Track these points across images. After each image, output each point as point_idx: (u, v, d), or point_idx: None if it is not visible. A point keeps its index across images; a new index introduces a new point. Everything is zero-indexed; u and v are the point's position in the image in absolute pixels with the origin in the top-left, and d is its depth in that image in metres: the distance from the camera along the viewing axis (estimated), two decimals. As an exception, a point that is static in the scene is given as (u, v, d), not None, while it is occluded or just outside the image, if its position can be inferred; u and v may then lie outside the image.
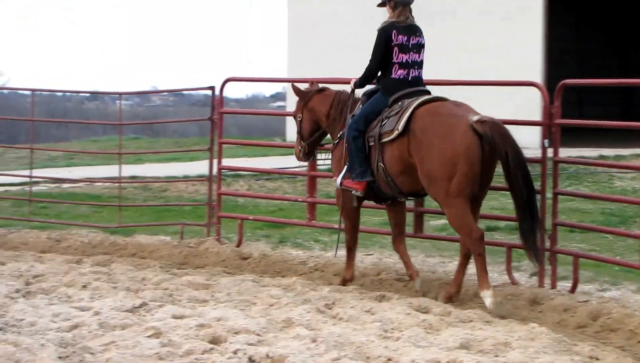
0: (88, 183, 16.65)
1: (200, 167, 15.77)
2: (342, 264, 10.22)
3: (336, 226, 10.65)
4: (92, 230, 12.69)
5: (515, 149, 8.51)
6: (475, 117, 8.53)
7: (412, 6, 9.29)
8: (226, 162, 12.24)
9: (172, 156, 23.38)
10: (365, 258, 10.97)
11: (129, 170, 17.11)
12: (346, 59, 29.51)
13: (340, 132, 9.54)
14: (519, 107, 22.13)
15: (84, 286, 9.00)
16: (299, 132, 10.16)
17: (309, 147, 10.19)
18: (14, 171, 20.05)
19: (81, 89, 60.60)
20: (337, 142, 9.63)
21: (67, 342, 6.86)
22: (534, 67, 26.11)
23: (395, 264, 10.68)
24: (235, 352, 6.59)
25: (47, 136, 43.97)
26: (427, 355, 6.59)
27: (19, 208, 14.73)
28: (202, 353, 6.65)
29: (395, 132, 8.79)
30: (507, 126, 8.72)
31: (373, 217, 13.46)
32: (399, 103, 9.02)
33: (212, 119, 11.93)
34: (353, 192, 9.28)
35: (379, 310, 8.15)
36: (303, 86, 10.22)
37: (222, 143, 11.83)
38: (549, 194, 9.46)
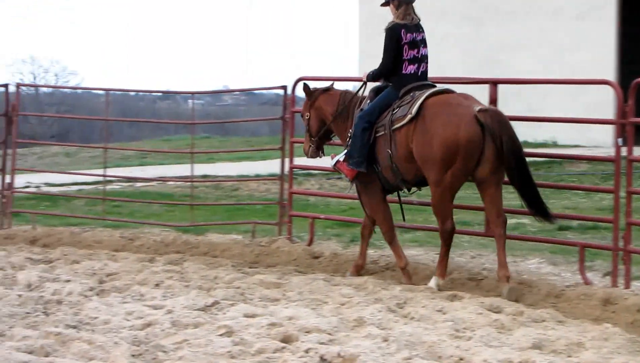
0: (160, 181, 16.79)
1: (271, 166, 15.83)
2: (414, 263, 10.25)
3: (407, 224, 10.72)
4: (165, 229, 12.78)
5: (511, 136, 9.01)
6: (477, 108, 9.06)
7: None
8: (297, 161, 12.25)
9: (244, 155, 23.44)
10: (436, 258, 10.88)
11: (200, 169, 17.24)
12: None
13: (351, 130, 9.90)
14: (591, 106, 21.95)
15: (157, 285, 9.08)
16: (308, 131, 10.62)
17: (318, 144, 10.67)
18: (88, 170, 20.31)
19: (154, 89, 61.17)
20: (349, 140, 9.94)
21: (140, 340, 6.94)
22: (606, 65, 25.81)
23: (467, 263, 10.62)
24: (306, 351, 6.60)
25: (120, 135, 44.52)
26: (499, 355, 6.55)
27: (92, 206, 14.91)
28: (274, 352, 6.67)
29: (409, 116, 9.29)
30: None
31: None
32: (410, 94, 9.51)
33: (283, 118, 11.95)
34: (343, 176, 10.17)
35: (450, 310, 8.11)
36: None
37: (293, 141, 11.83)
38: (622, 194, 9.32)
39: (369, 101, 10.00)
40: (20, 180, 16.96)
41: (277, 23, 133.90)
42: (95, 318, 7.63)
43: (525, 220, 12.97)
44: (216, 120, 35.25)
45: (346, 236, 12.16)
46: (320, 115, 10.50)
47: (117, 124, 40.00)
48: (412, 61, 9.70)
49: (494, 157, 9.06)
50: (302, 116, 10.83)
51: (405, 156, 9.40)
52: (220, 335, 7.15)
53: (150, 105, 73.58)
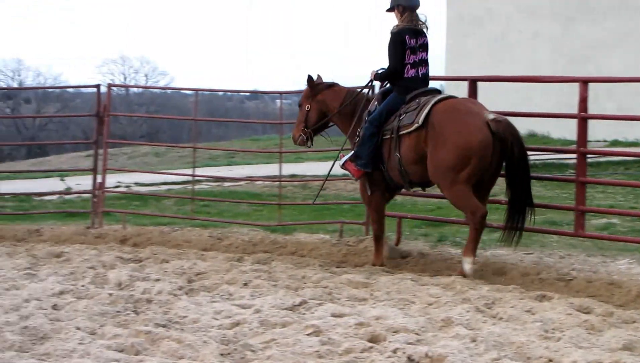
0: (248, 181, 16.89)
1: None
2: (502, 263, 10.19)
3: (495, 224, 10.64)
4: (253, 228, 12.85)
5: (521, 147, 9.61)
6: (491, 116, 9.55)
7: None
8: (385, 160, 12.22)
9: (331, 155, 23.40)
10: (525, 257, 10.80)
11: (288, 169, 17.29)
12: (504, 56, 29.29)
13: (359, 130, 10.47)
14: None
15: (245, 284, 9.13)
16: (304, 121, 11.11)
17: (310, 135, 11.24)
18: (177, 169, 20.53)
19: (242, 89, 61.57)
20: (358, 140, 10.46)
21: (229, 339, 6.98)
22: None
23: (556, 263, 10.49)
24: (394, 351, 6.58)
25: (209, 135, 45.00)
26: (589, 357, 6.46)
27: (181, 206, 15.06)
28: (362, 352, 6.67)
29: (415, 125, 9.78)
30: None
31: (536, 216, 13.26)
32: (416, 100, 10.00)
33: (369, 118, 11.90)
34: (351, 176, 10.57)
35: (539, 310, 8.03)
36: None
37: (380, 140, 11.79)
38: None
39: (376, 102, 10.47)
40: (111, 180, 17.24)
41: (276, 23, 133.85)
42: (185, 317, 7.71)
43: (615, 220, 12.78)
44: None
45: (434, 235, 12.10)
46: (322, 108, 11.04)
47: (206, 124, 40.46)
48: (413, 65, 10.24)
49: (498, 162, 9.70)
50: (299, 105, 11.29)
51: (415, 159, 9.90)
52: (308, 334, 7.17)
53: (238, 105, 74.25)
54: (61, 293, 8.59)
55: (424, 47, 10.35)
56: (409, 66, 10.21)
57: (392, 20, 10.45)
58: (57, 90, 71.34)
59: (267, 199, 15.43)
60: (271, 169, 17.77)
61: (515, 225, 9.88)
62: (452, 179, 9.61)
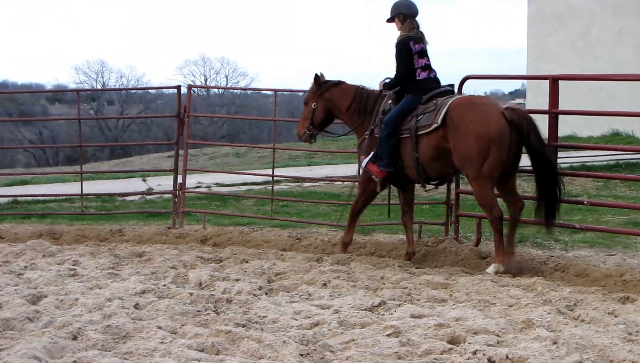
0: (328, 181, 16.89)
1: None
2: (582, 265, 10.03)
3: (577, 225, 10.54)
4: (332, 229, 12.86)
5: (537, 133, 9.97)
6: (505, 105, 10.12)
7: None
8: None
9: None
10: (608, 259, 10.63)
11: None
12: (587, 54, 28.87)
13: (371, 128, 10.85)
14: None
15: (324, 285, 9.15)
16: (310, 118, 11.39)
17: (316, 132, 11.56)
18: (256, 170, 20.63)
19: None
20: (369, 136, 10.90)
21: (308, 340, 7.00)
22: None
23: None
24: (474, 353, 6.54)
25: (288, 135, 45.08)
26: (674, 361, 6.33)
27: (261, 206, 15.13)
28: (441, 353, 6.63)
29: (434, 125, 10.17)
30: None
31: (616, 217, 13.06)
32: (434, 101, 10.42)
33: (450, 118, 11.82)
34: (373, 177, 10.72)
35: (622, 312, 7.91)
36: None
37: (459, 141, 11.71)
38: None
39: (389, 101, 10.82)
40: (192, 180, 17.42)
41: (277, 22, 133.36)
42: (264, 317, 7.75)
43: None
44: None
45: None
46: (330, 106, 11.37)
47: (286, 124, 40.47)
48: (423, 69, 10.69)
49: (516, 150, 10.05)
50: (305, 103, 11.55)
51: (434, 157, 10.31)
52: (387, 335, 7.16)
53: (317, 105, 74.21)
54: (143, 292, 8.70)
55: (426, 53, 10.79)
56: (419, 69, 10.67)
57: (393, 30, 10.93)
58: (140, 91, 72.32)
59: (347, 199, 15.37)
60: (351, 169, 17.77)
61: (546, 213, 10.22)
62: (477, 169, 9.97)
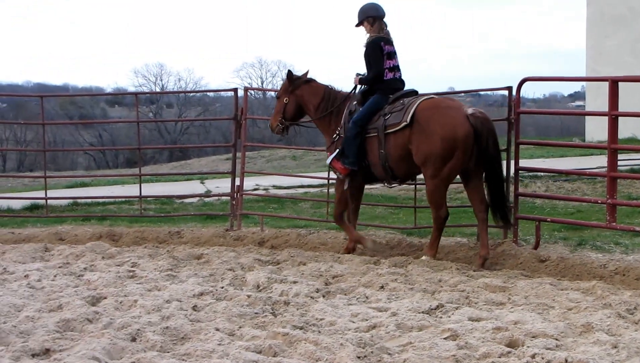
0: (383, 184, 16.84)
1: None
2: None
3: (637, 228, 10.42)
4: (389, 231, 12.84)
5: (495, 141, 10.56)
6: (470, 111, 10.49)
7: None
8: (523, 163, 12.05)
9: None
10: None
11: (425, 171, 17.17)
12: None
13: (339, 128, 11.29)
14: None
15: (382, 287, 9.14)
16: (282, 112, 11.91)
17: (287, 126, 12.06)
18: (313, 173, 20.63)
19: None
20: (337, 138, 11.34)
21: (365, 342, 6.99)
22: None
23: None
24: (532, 357, 6.50)
25: (345, 138, 45.07)
26: None
27: (318, 209, 15.13)
28: (499, 357, 6.60)
29: (403, 123, 10.64)
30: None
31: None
32: (401, 101, 10.91)
33: (509, 120, 11.74)
34: (337, 174, 11.26)
35: (685, 317, 7.78)
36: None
37: (519, 143, 11.62)
38: None
39: (355, 102, 11.26)
40: (249, 183, 17.48)
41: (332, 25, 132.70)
42: (321, 319, 7.75)
43: None
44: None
45: (574, 239, 11.82)
46: (300, 102, 11.83)
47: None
48: (391, 70, 11.15)
49: (479, 153, 10.48)
50: (277, 97, 12.14)
51: (401, 155, 10.77)
52: (445, 338, 7.13)
53: (374, 108, 74.03)
54: (201, 294, 8.77)
55: (395, 54, 11.24)
56: (387, 70, 11.12)
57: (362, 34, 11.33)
58: (198, 94, 72.71)
59: (403, 202, 15.38)
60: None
61: (501, 218, 10.87)
62: (437, 170, 10.48)
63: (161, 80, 75.29)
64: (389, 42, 11.19)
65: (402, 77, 11.31)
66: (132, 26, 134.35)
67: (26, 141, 58.91)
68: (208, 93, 71.19)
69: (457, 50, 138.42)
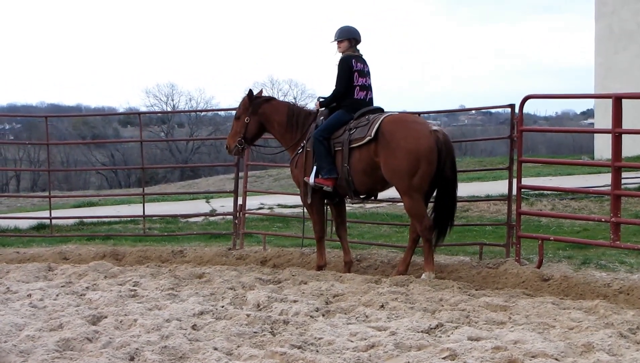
0: (390, 203, 16.82)
1: (503, 186, 15.56)
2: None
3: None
4: (392, 250, 12.82)
5: (453, 163, 10.73)
6: (434, 127, 10.71)
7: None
8: (530, 181, 12.07)
9: (476, 176, 23.22)
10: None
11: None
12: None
13: (305, 141, 11.46)
14: None
15: (382, 306, 9.09)
16: (242, 132, 11.90)
17: (247, 145, 12.21)
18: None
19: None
20: (301, 151, 11.50)
21: (363, 362, 6.97)
22: None
23: None
24: (531, 376, 6.44)
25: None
26: None
27: (323, 227, 15.10)
28: (497, 377, 6.54)
29: (367, 138, 10.81)
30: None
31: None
32: (366, 117, 11.08)
33: (511, 137, 11.72)
34: (325, 188, 11.19)
35: (687, 336, 7.71)
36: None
37: (521, 161, 11.58)
38: None
39: (322, 118, 11.42)
40: (254, 202, 17.48)
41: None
42: (320, 338, 7.72)
43: None
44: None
45: (578, 258, 11.77)
46: (263, 122, 11.89)
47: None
48: (362, 88, 11.32)
49: (435, 172, 10.61)
50: (237, 118, 12.01)
51: (364, 170, 10.95)
52: (444, 358, 7.09)
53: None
54: (201, 313, 8.76)
55: (369, 73, 11.43)
56: (358, 88, 11.28)
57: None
58: (209, 113, 72.97)
59: (408, 221, 15.32)
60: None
61: (438, 236, 10.89)
62: (407, 185, 10.59)
63: (172, 100, 75.54)
64: (362, 60, 11.39)
65: (372, 98, 11.47)
66: (144, 46, 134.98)
67: (39, 161, 59.21)
68: (219, 112, 71.27)
69: (469, 67, 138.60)
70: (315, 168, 11.25)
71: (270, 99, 12.06)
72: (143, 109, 71.17)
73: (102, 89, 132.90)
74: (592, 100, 34.68)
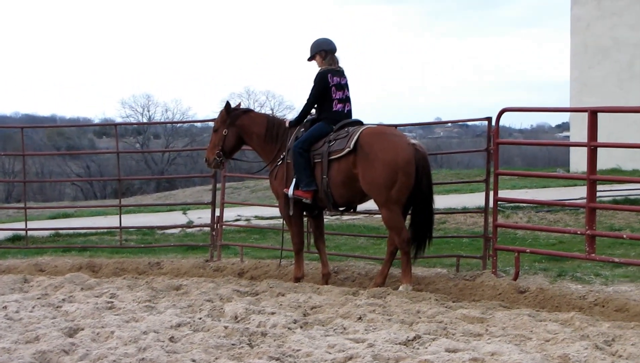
0: (367, 215, 16.84)
1: (479, 199, 15.61)
2: (622, 300, 9.90)
3: (617, 259, 10.46)
4: (370, 262, 12.84)
5: (429, 177, 10.88)
6: (412, 141, 10.86)
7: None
8: (506, 193, 12.09)
9: (453, 188, 23.29)
10: (647, 293, 10.48)
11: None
12: (633, 86, 28.65)
13: (284, 153, 11.44)
14: None
15: (359, 318, 9.09)
16: (220, 145, 11.87)
17: (226, 158, 12.10)
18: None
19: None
20: (280, 162, 11.51)
21: (341, 373, 6.95)
22: None
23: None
24: (507, 388, 6.46)
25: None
26: None
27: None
28: (474, 388, 6.56)
29: (347, 150, 10.85)
30: None
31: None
32: (345, 129, 11.11)
33: (488, 150, 11.77)
34: (304, 200, 11.22)
35: (661, 348, 7.75)
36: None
37: (498, 173, 11.63)
38: None
39: (302, 129, 11.45)
40: (231, 213, 17.45)
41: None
42: (298, 350, 7.69)
43: None
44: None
45: (554, 270, 11.84)
46: (242, 134, 11.85)
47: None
48: (340, 101, 11.32)
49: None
50: (215, 130, 11.97)
51: (342, 182, 10.97)
52: (421, 370, 7.09)
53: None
54: (179, 325, 8.72)
55: (347, 86, 11.42)
56: (336, 101, 11.31)
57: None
58: (186, 125, 72.82)
59: (385, 232, 15.32)
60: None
61: (417, 249, 10.98)
62: (385, 197, 10.64)
63: (148, 111, 75.33)
64: (339, 73, 11.39)
65: (351, 110, 11.48)
66: (120, 56, 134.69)
67: (14, 172, 58.87)
68: (195, 123, 71.22)
69: (447, 80, 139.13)
70: (294, 180, 11.27)
71: (248, 111, 12.08)
72: (119, 120, 71.04)
73: (77, 100, 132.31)
74: (568, 113, 34.91)
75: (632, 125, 26.31)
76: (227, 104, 11.91)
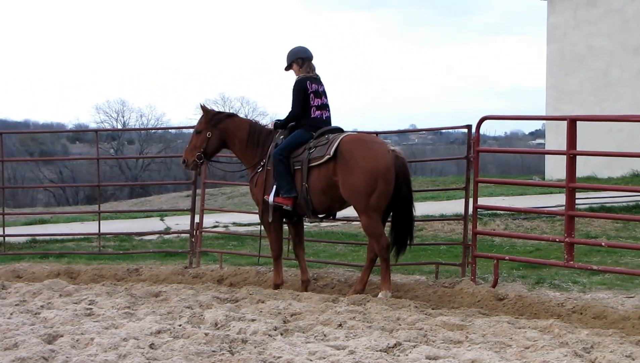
0: (345, 222, 16.87)
1: (457, 206, 15.68)
2: (600, 307, 9.95)
3: (595, 267, 10.53)
4: (349, 269, 12.85)
5: (409, 184, 10.92)
6: (392, 148, 10.90)
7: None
8: (484, 200, 12.12)
9: (429, 195, 23.34)
10: (626, 301, 10.53)
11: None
12: (608, 94, 28.85)
13: (265, 160, 11.48)
14: None
15: (340, 325, 9.09)
16: (202, 147, 11.84)
17: (207, 160, 12.17)
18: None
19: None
20: (261, 169, 11.55)
21: (322, 381, 6.95)
22: None
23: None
24: (488, 395, 6.48)
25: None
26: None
27: (279, 246, 15.12)
28: (455, 396, 6.57)
29: (326, 157, 10.88)
30: None
31: (635, 259, 12.98)
32: (325, 136, 11.18)
33: (468, 158, 11.80)
34: (284, 206, 11.24)
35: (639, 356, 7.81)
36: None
37: (478, 181, 11.67)
38: None
39: (282, 136, 11.49)
40: (210, 220, 17.42)
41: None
42: (279, 357, 7.68)
43: None
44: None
45: (532, 277, 11.90)
46: (224, 137, 11.85)
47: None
48: (318, 108, 11.42)
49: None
50: (197, 132, 11.93)
51: (322, 189, 11.01)
52: (402, 376, 7.10)
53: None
54: (158, 332, 8.68)
55: (324, 93, 11.53)
56: (314, 108, 11.40)
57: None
58: (160, 131, 72.61)
59: (364, 240, 15.38)
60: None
61: (397, 254, 11.05)
62: (365, 204, 10.69)
63: (123, 116, 75.14)
64: (317, 81, 11.48)
65: (330, 117, 11.59)
66: (95, 62, 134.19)
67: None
68: (170, 130, 71.00)
69: (422, 87, 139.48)
70: (275, 186, 11.28)
71: (232, 115, 12.09)
72: (93, 125, 70.83)
73: (50, 105, 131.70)
74: (541, 121, 35.05)
75: (607, 133, 26.52)
76: (204, 107, 11.94)
